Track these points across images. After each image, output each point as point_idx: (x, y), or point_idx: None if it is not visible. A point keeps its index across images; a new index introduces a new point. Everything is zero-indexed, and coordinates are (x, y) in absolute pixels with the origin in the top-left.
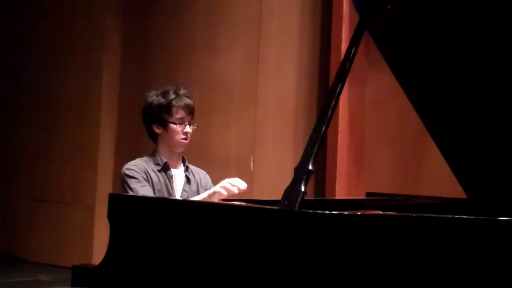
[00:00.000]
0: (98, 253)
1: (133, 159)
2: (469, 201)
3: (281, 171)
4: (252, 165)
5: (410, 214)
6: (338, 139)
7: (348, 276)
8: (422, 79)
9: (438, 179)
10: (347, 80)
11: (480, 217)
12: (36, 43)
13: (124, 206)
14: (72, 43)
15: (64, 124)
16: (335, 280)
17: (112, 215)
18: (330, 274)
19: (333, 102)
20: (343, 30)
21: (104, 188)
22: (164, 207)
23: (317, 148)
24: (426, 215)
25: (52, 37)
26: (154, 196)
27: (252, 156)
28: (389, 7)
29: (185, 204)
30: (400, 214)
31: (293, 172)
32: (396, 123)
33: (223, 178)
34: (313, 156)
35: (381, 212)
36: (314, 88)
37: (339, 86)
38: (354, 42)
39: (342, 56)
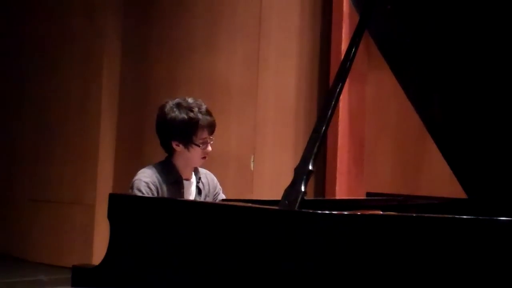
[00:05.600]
0: (98, 253)
1: (133, 160)
2: (469, 201)
3: (281, 171)
4: (252, 165)
5: (410, 214)
6: (338, 139)
7: (348, 276)
8: (422, 79)
9: (438, 179)
10: (347, 80)
11: (480, 217)
12: (36, 43)
13: (124, 206)
14: (72, 43)
15: (64, 124)
16: (335, 280)
17: (112, 215)
18: (330, 274)
19: (333, 102)
20: (343, 30)
21: (104, 188)
22: (164, 207)
23: (317, 148)
24: (426, 215)
25: (52, 37)
26: (154, 196)
27: (252, 156)
28: (389, 7)
29: (185, 204)
30: (400, 214)
31: (293, 172)
32: (396, 123)
33: (223, 178)
34: (313, 156)
35: (381, 212)
36: (314, 88)
37: (339, 86)
38: (354, 42)
39: (342, 56)
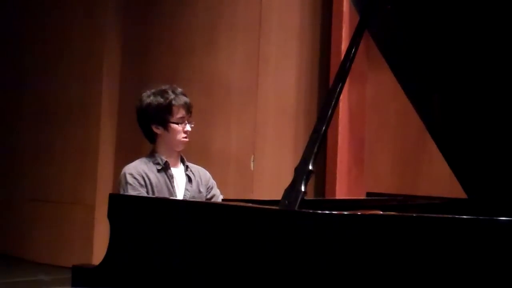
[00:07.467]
0: (98, 253)
1: (133, 160)
2: (469, 201)
3: (281, 171)
4: (252, 165)
5: (410, 214)
6: (338, 139)
7: (348, 276)
8: (422, 79)
9: (438, 179)
10: (347, 80)
11: (480, 217)
12: (36, 43)
13: (124, 206)
14: (72, 43)
15: (64, 124)
16: (335, 280)
17: (112, 215)
18: (330, 274)
19: (333, 102)
20: (343, 30)
21: (104, 188)
22: (164, 207)
23: (317, 148)
24: (426, 215)
25: (52, 37)
26: (154, 196)
27: (252, 156)
28: (389, 7)
29: (185, 204)
30: (400, 214)
31: (293, 172)
32: (396, 123)
33: (223, 178)
34: (313, 156)
35: (381, 212)
36: (314, 88)
37: (339, 86)
38: (354, 42)
39: (342, 56)
